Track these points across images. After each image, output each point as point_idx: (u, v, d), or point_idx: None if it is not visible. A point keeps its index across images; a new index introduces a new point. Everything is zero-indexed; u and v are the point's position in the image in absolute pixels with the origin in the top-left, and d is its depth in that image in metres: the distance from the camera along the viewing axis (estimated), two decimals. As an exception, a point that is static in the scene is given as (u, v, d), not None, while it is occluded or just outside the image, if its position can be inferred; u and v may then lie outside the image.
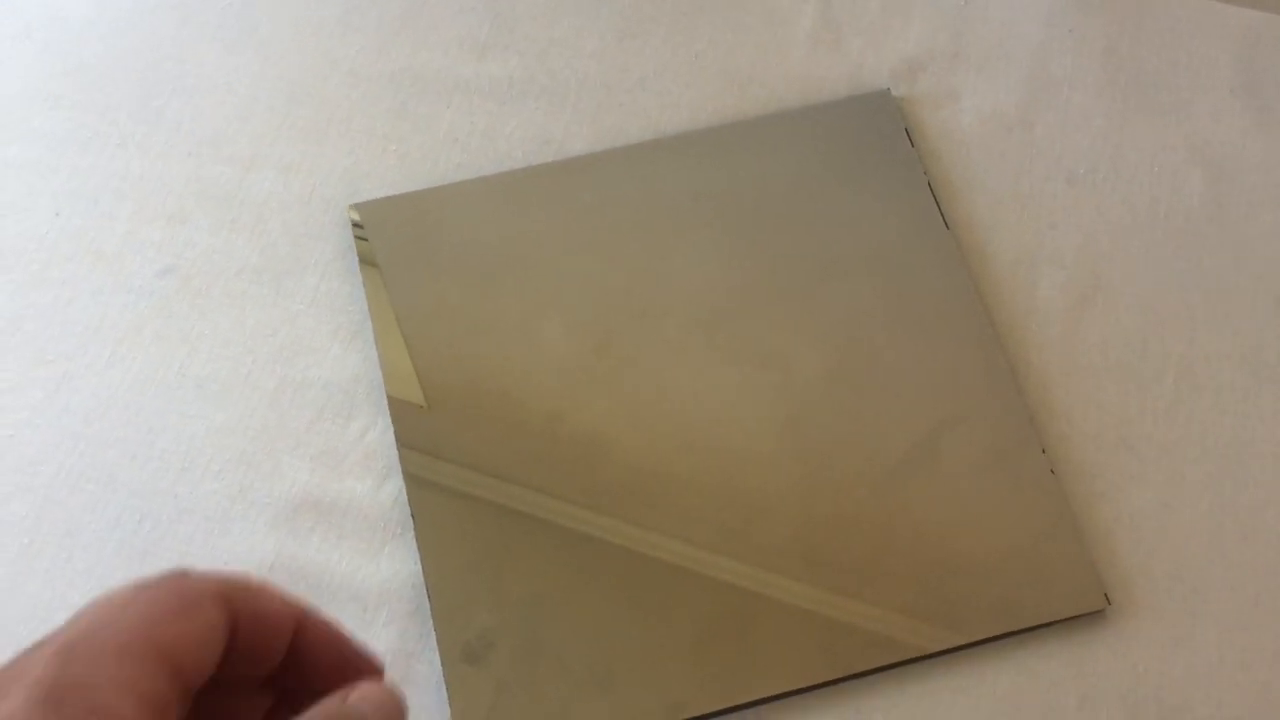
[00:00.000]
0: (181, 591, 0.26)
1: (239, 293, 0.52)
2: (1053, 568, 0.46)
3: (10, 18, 0.59)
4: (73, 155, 0.55)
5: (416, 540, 0.46)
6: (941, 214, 0.53)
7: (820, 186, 0.54)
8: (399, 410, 0.48)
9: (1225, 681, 0.45)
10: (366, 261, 0.51)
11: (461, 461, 0.47)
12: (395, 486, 0.48)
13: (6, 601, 0.46)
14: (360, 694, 0.27)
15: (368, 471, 0.48)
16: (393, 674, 0.35)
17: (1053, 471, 0.47)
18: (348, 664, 0.29)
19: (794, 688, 0.44)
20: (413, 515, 0.46)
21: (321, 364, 0.50)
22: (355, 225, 0.52)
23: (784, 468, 0.47)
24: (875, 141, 0.55)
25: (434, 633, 0.44)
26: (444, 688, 0.43)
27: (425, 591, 0.45)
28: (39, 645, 0.25)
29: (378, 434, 0.49)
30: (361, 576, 0.46)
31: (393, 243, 0.52)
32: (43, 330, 0.51)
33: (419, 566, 0.46)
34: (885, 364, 0.49)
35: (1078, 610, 0.45)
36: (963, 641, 0.45)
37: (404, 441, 0.47)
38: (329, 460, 0.48)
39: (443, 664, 0.44)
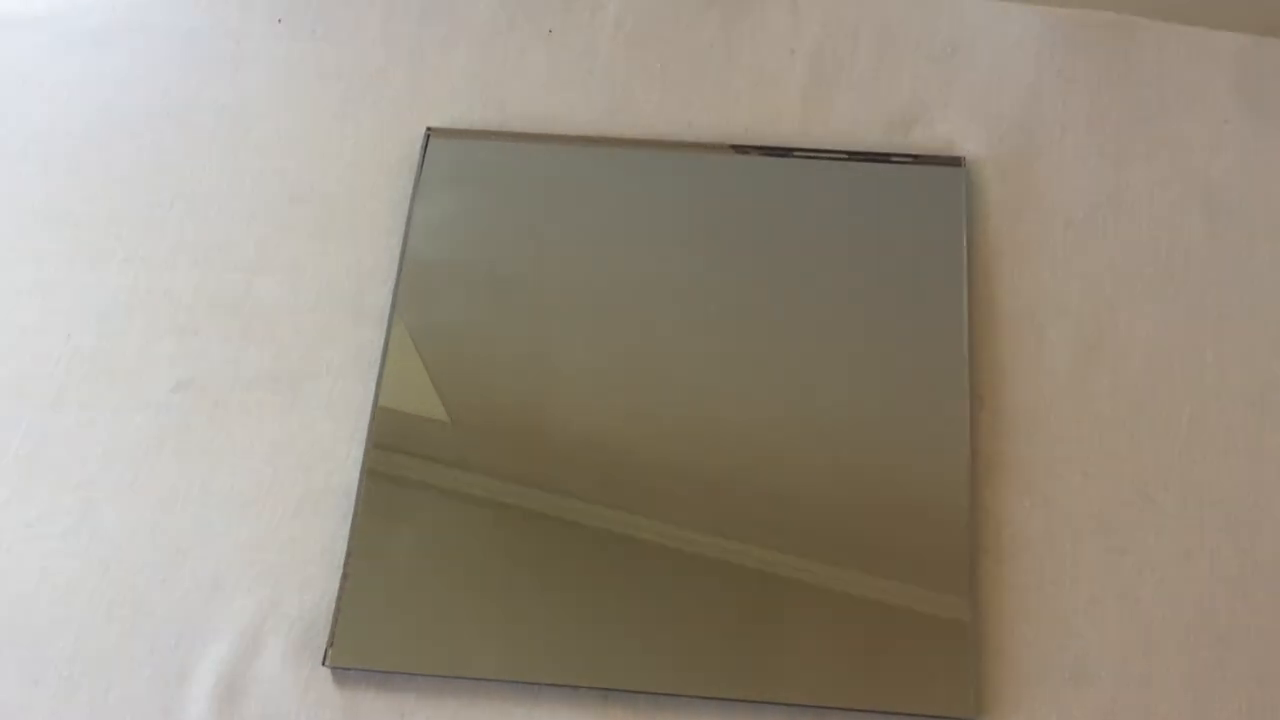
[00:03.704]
0: None
1: (255, 403, 0.52)
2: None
3: (9, 136, 0.60)
4: (80, 273, 0.56)
5: None
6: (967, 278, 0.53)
7: (865, 234, 0.56)
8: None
9: None
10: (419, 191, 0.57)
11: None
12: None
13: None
14: None
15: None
16: None
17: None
18: None
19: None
20: None
21: (343, 469, 0.50)
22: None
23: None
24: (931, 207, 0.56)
25: None
26: None
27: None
28: None
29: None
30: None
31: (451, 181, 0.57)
32: (65, 455, 0.51)
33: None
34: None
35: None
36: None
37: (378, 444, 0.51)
38: (356, 566, 0.49)
39: None
